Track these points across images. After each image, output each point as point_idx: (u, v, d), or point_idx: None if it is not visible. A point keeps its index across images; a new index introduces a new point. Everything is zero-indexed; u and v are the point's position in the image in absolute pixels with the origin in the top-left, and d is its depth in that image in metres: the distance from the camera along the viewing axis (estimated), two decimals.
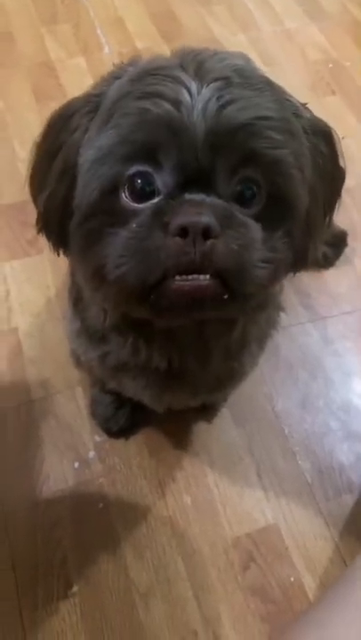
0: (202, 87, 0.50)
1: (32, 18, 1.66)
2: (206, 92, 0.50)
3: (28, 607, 0.87)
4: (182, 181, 0.51)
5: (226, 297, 0.51)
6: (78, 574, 0.90)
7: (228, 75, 0.52)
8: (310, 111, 0.61)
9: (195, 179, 0.51)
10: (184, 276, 0.50)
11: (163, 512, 0.96)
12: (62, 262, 0.84)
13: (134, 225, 0.51)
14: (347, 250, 1.25)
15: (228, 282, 0.51)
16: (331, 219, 0.64)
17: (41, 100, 1.45)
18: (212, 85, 0.51)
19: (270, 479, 1.00)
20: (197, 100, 0.50)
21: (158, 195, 0.52)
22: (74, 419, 1.04)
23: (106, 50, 1.59)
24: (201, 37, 1.63)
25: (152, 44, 1.60)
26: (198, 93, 0.50)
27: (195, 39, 1.62)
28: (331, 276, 1.24)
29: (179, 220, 0.49)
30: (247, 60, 0.59)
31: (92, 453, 1.00)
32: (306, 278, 1.22)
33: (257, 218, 0.53)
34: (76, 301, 0.76)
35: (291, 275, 0.63)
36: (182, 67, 0.53)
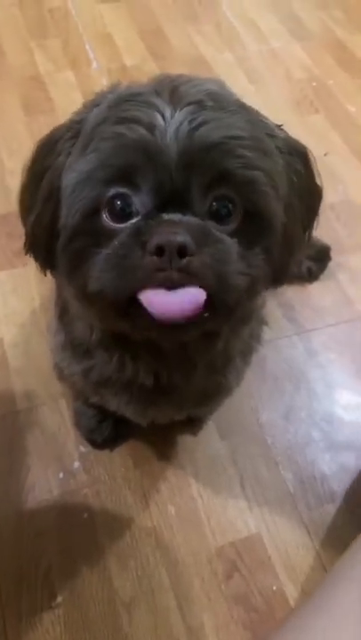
0: (175, 111, 0.52)
1: (21, 32, 1.68)
2: (179, 115, 0.52)
3: (12, 618, 0.87)
4: (159, 202, 0.53)
5: (207, 315, 0.53)
6: (62, 585, 0.90)
7: (201, 98, 0.54)
8: (285, 132, 0.63)
9: (171, 199, 0.53)
10: None
11: (147, 522, 0.96)
12: (48, 275, 0.85)
13: (115, 243, 0.53)
14: (331, 264, 1.27)
15: (210, 294, 0.52)
16: (310, 235, 0.66)
17: (30, 113, 1.46)
18: (185, 109, 0.53)
19: (253, 489, 1.01)
20: (170, 123, 0.52)
21: (137, 215, 0.54)
22: (59, 429, 1.04)
23: (94, 65, 1.62)
24: (188, 55, 1.66)
25: (140, 61, 1.63)
26: (171, 117, 0.52)
27: (182, 57, 1.65)
28: (315, 289, 1.26)
29: (155, 240, 0.50)
30: (222, 85, 0.61)
31: (76, 464, 1.01)
32: (291, 292, 1.24)
33: (234, 234, 0.55)
34: (62, 314, 0.77)
35: (273, 289, 0.65)
36: (157, 92, 0.55)
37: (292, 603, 0.91)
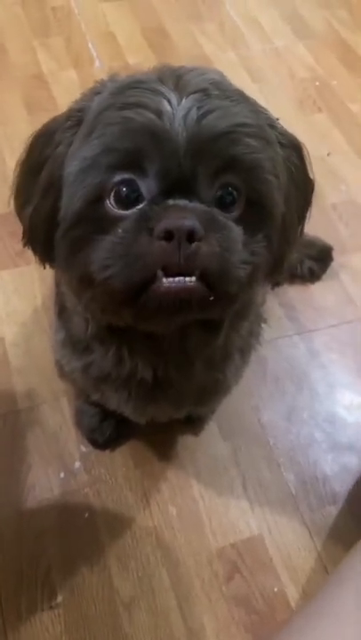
0: (181, 99, 0.52)
1: (24, 31, 1.68)
2: (186, 102, 0.52)
3: (12, 617, 0.87)
4: (166, 188, 0.53)
5: (212, 298, 0.53)
6: (62, 584, 0.90)
7: (206, 87, 0.54)
8: (281, 125, 0.63)
9: (177, 185, 0.53)
10: (170, 279, 0.51)
11: (148, 523, 0.96)
12: (50, 274, 0.85)
13: (120, 230, 0.53)
14: (333, 264, 1.27)
15: (211, 283, 0.52)
16: (303, 227, 0.66)
17: (33, 111, 1.47)
18: (191, 97, 0.53)
19: (255, 490, 1.01)
20: (178, 109, 0.52)
21: (143, 201, 0.54)
22: (60, 429, 1.04)
23: (97, 64, 1.61)
24: (191, 54, 1.66)
25: (143, 59, 1.62)
26: (178, 104, 0.52)
27: (185, 55, 1.64)
28: (317, 289, 1.26)
29: (164, 225, 0.50)
30: (222, 75, 0.61)
31: (77, 463, 1.00)
32: (293, 292, 1.24)
33: (237, 222, 0.55)
34: (61, 311, 0.77)
35: (272, 287, 0.65)
36: (161, 80, 0.55)
37: (293, 604, 0.91)
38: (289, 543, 0.96)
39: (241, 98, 0.57)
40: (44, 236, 0.60)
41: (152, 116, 0.51)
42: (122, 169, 0.53)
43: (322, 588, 0.81)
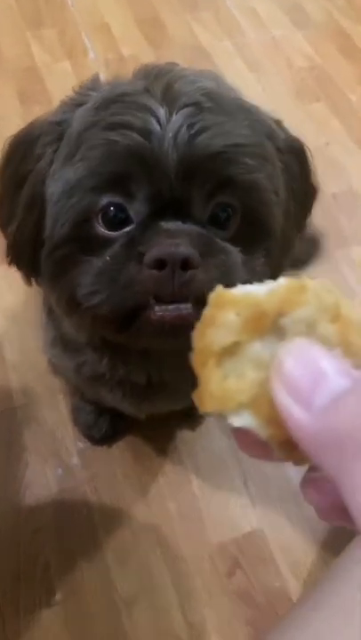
0: (171, 114, 0.49)
1: (17, 22, 1.65)
2: (176, 119, 0.49)
3: (11, 615, 0.86)
4: (156, 209, 0.50)
5: None
6: (61, 582, 0.89)
7: (199, 99, 0.51)
8: (285, 129, 0.60)
9: (169, 205, 0.50)
10: (164, 306, 0.48)
11: (147, 519, 0.95)
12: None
13: (107, 256, 0.50)
14: (334, 256, 1.25)
15: None
16: (302, 235, 0.64)
17: (26, 103, 1.45)
18: (181, 112, 0.49)
19: (256, 485, 1.00)
20: (167, 128, 0.48)
21: (131, 222, 0.51)
22: (56, 425, 1.03)
23: (91, 55, 1.59)
24: (187, 44, 1.63)
25: (138, 51, 1.60)
26: (168, 121, 0.49)
27: (181, 46, 1.62)
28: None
29: (155, 253, 0.47)
30: (218, 79, 0.57)
31: (75, 460, 0.99)
32: None
33: (233, 238, 0.52)
34: (50, 310, 0.74)
35: None
36: (148, 91, 0.51)
37: (294, 599, 0.90)
38: (290, 538, 0.95)
39: (237, 109, 0.54)
40: (28, 254, 0.57)
41: (138, 138, 0.48)
42: (108, 192, 0.50)
43: (320, 580, 0.80)
